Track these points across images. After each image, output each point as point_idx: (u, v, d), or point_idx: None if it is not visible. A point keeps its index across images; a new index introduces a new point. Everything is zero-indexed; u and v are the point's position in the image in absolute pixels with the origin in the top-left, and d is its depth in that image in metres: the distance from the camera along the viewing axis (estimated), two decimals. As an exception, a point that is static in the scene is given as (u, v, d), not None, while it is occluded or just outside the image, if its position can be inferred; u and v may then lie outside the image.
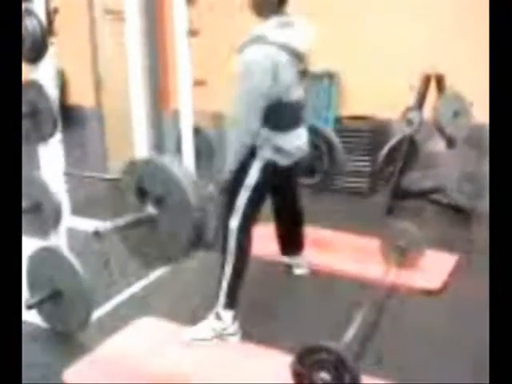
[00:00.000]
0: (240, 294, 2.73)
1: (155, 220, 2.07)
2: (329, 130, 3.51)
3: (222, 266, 2.70)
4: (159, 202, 2.06)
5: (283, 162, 2.74)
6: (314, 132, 3.14)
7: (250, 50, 2.57)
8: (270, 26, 2.61)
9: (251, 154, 2.71)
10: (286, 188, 3.15)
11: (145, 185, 2.08)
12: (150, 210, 2.06)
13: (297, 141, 2.80)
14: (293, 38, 2.62)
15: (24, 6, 2.43)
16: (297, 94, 2.73)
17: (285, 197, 3.19)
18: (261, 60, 2.53)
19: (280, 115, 2.68)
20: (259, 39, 2.57)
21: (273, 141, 2.69)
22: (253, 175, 2.70)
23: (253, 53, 2.56)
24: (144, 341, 2.73)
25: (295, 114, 2.80)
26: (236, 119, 2.68)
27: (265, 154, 2.71)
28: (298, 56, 2.64)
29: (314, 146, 3.24)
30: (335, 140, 3.44)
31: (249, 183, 2.70)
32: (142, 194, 2.08)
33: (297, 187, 3.24)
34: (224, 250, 2.70)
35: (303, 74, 2.73)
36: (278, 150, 2.71)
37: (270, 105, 2.62)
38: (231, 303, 2.70)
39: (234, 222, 2.69)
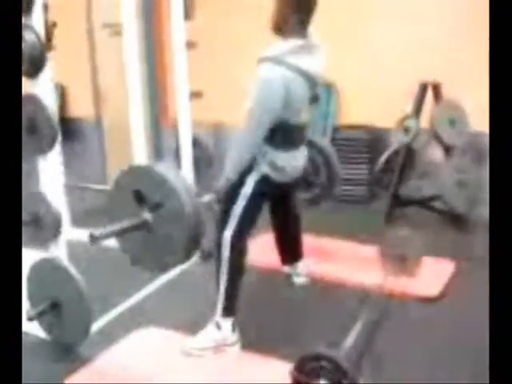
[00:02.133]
0: (238, 302, 2.74)
1: (151, 226, 2.09)
2: (325, 143, 3.53)
3: (217, 276, 2.72)
4: (156, 208, 2.08)
5: (278, 178, 2.76)
6: (310, 145, 3.14)
7: (267, 67, 2.54)
8: (289, 48, 2.57)
9: (249, 166, 2.72)
10: (283, 198, 3.17)
11: (142, 190, 2.11)
12: (147, 215, 2.09)
13: (294, 161, 2.82)
14: (310, 63, 2.61)
15: (23, 20, 2.46)
16: (304, 117, 2.76)
17: (282, 206, 3.21)
18: (276, 82, 2.51)
19: (284, 136, 2.70)
20: (278, 59, 2.53)
21: (270, 157, 2.70)
22: (249, 186, 2.71)
23: (269, 72, 2.54)
24: (144, 351, 2.74)
25: (299, 136, 2.82)
26: (243, 130, 2.66)
27: (261, 168, 2.72)
28: (312, 82, 2.65)
29: (310, 159, 3.25)
30: (331, 152, 3.48)
31: (245, 193, 2.71)
32: (139, 199, 2.11)
33: (294, 197, 3.27)
34: (218, 259, 2.72)
35: (314, 99, 2.75)
36: (274, 166, 2.72)
37: (276, 125, 2.63)
38: (229, 311, 2.71)
39: (228, 232, 2.70)
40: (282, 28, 2.63)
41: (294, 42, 2.59)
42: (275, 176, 2.74)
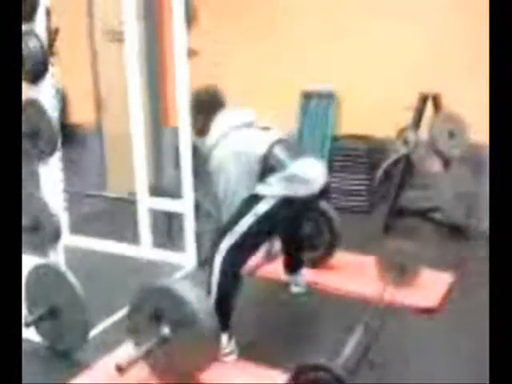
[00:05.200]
0: (232, 316, 2.67)
1: (170, 341, 2.27)
2: (327, 207, 3.60)
3: (208, 288, 2.64)
4: (175, 326, 2.25)
5: (302, 191, 2.70)
6: (313, 209, 3.27)
7: (217, 151, 2.77)
8: (217, 130, 2.83)
9: (254, 196, 2.69)
10: (297, 220, 3.13)
11: (160, 311, 2.27)
12: (166, 331, 2.26)
13: (310, 168, 2.83)
14: (235, 118, 2.87)
15: (25, 26, 2.47)
16: (272, 138, 2.83)
17: (293, 228, 3.21)
18: (224, 157, 2.72)
19: (274, 160, 2.75)
20: (217, 142, 2.79)
21: (287, 171, 2.69)
22: (263, 205, 2.64)
23: (220, 153, 2.75)
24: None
25: (291, 147, 2.89)
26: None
27: (276, 191, 2.66)
28: (248, 124, 2.86)
29: (313, 222, 3.47)
30: (333, 215, 3.58)
31: (257, 211, 2.63)
32: (158, 317, 2.28)
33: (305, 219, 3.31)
34: (210, 272, 2.64)
35: (264, 129, 2.89)
36: (293, 179, 2.69)
37: (262, 164, 2.72)
38: (223, 326, 2.57)
39: (224, 246, 2.62)
40: (205, 129, 2.92)
41: (216, 126, 2.86)
42: (297, 190, 2.69)
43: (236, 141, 2.77)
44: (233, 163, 2.71)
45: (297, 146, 3.01)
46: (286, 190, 2.67)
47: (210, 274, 2.64)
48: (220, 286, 2.61)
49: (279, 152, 2.77)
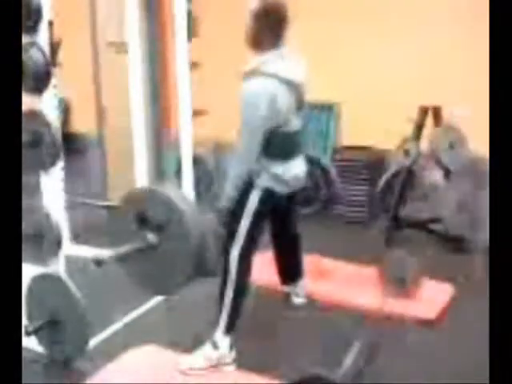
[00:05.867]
0: (239, 320, 2.74)
1: (155, 248, 2.10)
2: (325, 160, 3.55)
3: (222, 294, 2.71)
4: (159, 229, 2.09)
5: (280, 190, 2.77)
6: (310, 162, 3.16)
7: (249, 82, 2.64)
8: (267, 60, 2.67)
9: (250, 182, 2.74)
10: (284, 215, 3.15)
11: (145, 213, 2.10)
12: (151, 238, 2.10)
13: (294, 170, 2.83)
14: (288, 70, 2.69)
15: (28, 38, 2.49)
16: (295, 124, 2.78)
17: (283, 223, 3.20)
18: (260, 93, 2.59)
19: (278, 144, 2.73)
20: (258, 72, 2.64)
21: (271, 169, 2.72)
22: (253, 203, 2.73)
23: (252, 85, 2.63)
24: (140, 369, 2.73)
25: (293, 144, 2.84)
26: (238, 146, 2.73)
27: (263, 183, 2.73)
28: (294, 87, 2.70)
29: (310, 175, 3.26)
30: (332, 170, 3.50)
31: (249, 211, 2.72)
32: (143, 221, 2.11)
33: (295, 214, 3.27)
34: (224, 278, 2.72)
35: (300, 104, 2.79)
36: (276, 178, 2.74)
37: (270, 135, 2.67)
38: (230, 329, 2.72)
39: (236, 251, 2.70)
40: (257, 44, 2.71)
41: (271, 54, 2.68)
42: (278, 188, 2.75)
43: (274, 89, 2.61)
44: (263, 104, 2.58)
45: (297, 141, 2.91)
46: (269, 185, 2.74)
47: (225, 280, 2.71)
48: (237, 287, 2.70)
49: (288, 142, 2.77)
